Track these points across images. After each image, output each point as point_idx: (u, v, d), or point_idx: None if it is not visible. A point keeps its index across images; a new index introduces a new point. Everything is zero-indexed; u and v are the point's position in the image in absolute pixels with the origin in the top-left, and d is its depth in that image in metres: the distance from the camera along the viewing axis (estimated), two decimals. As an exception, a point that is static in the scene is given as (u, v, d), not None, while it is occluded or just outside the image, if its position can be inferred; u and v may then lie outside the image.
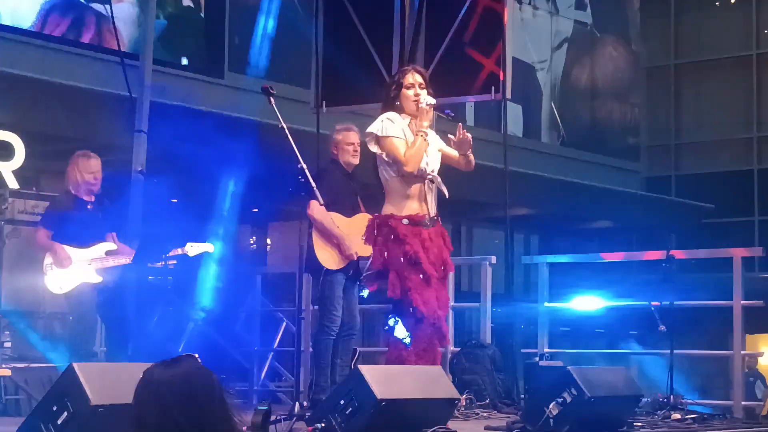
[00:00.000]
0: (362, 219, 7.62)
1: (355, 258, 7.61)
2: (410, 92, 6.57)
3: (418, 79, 6.62)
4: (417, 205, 6.51)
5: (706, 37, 25.56)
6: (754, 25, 25.07)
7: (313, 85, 9.32)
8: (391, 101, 6.60)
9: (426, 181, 6.55)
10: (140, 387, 2.97)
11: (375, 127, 6.51)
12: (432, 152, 6.61)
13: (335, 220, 7.57)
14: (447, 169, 6.76)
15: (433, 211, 6.56)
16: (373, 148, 6.54)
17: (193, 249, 8.22)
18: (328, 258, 7.59)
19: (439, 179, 6.61)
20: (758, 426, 7.55)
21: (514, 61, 8.92)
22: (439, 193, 6.70)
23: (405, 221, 6.44)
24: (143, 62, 9.48)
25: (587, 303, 9.52)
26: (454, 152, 6.70)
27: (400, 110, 6.58)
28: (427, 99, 6.52)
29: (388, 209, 6.52)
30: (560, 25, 23.93)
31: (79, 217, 8.05)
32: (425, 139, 6.49)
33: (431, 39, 8.93)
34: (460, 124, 6.68)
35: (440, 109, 6.64)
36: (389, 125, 6.47)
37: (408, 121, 6.56)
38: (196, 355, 3.02)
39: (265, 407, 5.44)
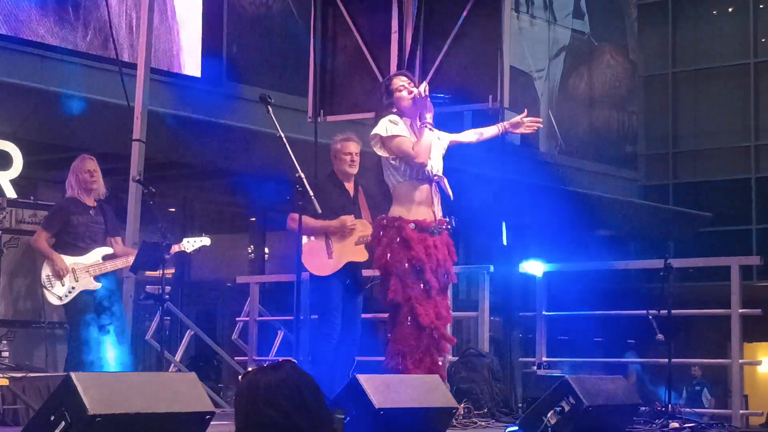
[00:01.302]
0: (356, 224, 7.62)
1: (350, 258, 7.56)
2: (403, 93, 6.62)
3: (405, 80, 6.71)
4: (425, 209, 6.53)
5: (704, 46, 25.59)
6: (752, 34, 25.09)
7: (311, 94, 9.33)
8: (387, 108, 6.62)
9: (433, 184, 6.57)
10: (247, 393, 3.00)
11: (379, 129, 6.54)
12: (435, 155, 6.64)
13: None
14: (446, 176, 6.78)
15: (439, 215, 6.59)
16: (379, 151, 6.56)
17: (189, 244, 8.21)
18: (317, 265, 7.57)
19: (445, 180, 6.64)
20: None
21: (512, 70, 8.92)
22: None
23: (412, 225, 6.45)
24: (141, 71, 9.48)
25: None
26: (462, 137, 6.91)
27: (399, 115, 6.61)
28: (422, 89, 6.60)
29: (395, 212, 6.52)
30: (558, 34, 23.95)
31: (81, 221, 8.05)
32: (431, 129, 6.54)
33: (429, 48, 8.94)
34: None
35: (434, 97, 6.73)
36: (393, 126, 6.51)
37: (409, 123, 6.60)
38: (294, 360, 3.07)
39: (342, 415, 5.47)
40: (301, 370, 3.03)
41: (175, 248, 8.11)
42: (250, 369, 3.10)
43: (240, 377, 3.14)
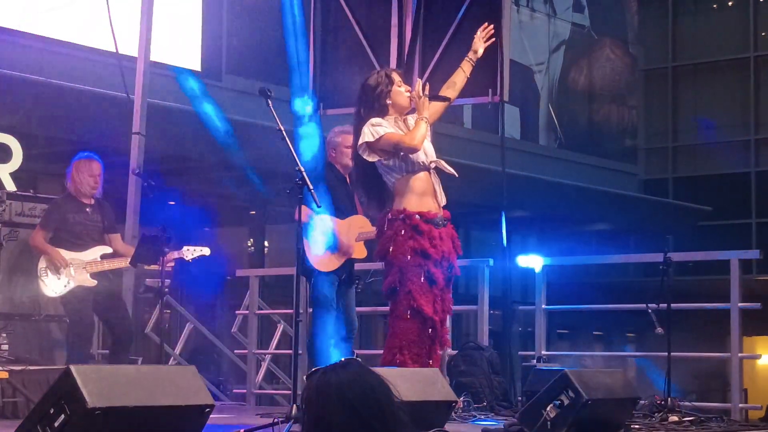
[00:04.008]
0: (356, 220, 7.62)
1: (352, 255, 7.59)
2: (401, 89, 6.58)
3: (400, 78, 6.67)
4: (429, 199, 6.47)
5: (704, 40, 25.59)
6: (752, 28, 25.09)
7: (311, 87, 9.32)
8: (380, 100, 6.53)
9: (431, 171, 6.52)
10: (317, 393, 2.96)
11: (366, 137, 6.44)
12: (428, 145, 6.59)
13: (328, 223, 7.55)
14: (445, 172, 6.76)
15: (443, 202, 6.53)
16: (369, 157, 6.47)
17: (189, 252, 8.21)
18: (320, 260, 7.57)
19: (442, 162, 6.58)
20: (755, 429, 7.56)
21: (512, 64, 8.91)
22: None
23: (417, 217, 6.40)
24: (140, 64, 9.48)
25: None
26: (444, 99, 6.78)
27: (385, 112, 6.53)
28: (419, 89, 6.53)
29: (399, 205, 6.45)
30: (558, 28, 23.95)
31: (78, 220, 8.07)
32: (427, 122, 6.48)
33: (428, 42, 8.93)
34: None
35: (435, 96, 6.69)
36: (377, 128, 6.43)
37: (393, 119, 6.53)
38: (360, 359, 3.04)
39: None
40: (369, 368, 3.00)
41: (174, 255, 8.11)
42: (314, 369, 3.06)
43: (305, 377, 3.08)
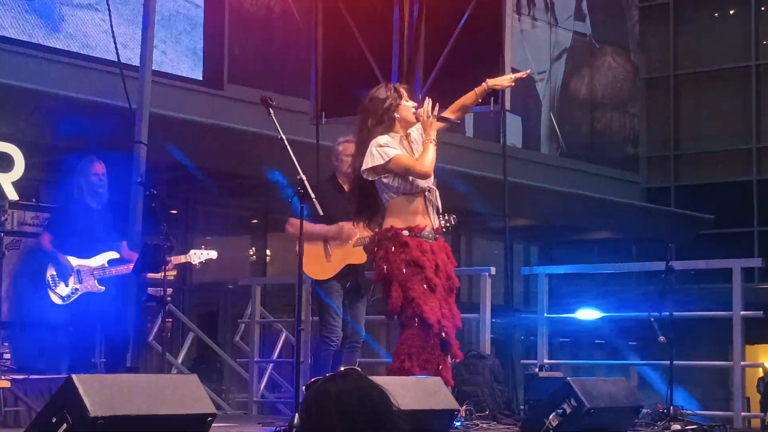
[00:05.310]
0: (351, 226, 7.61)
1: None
2: (409, 104, 6.54)
3: (406, 92, 6.64)
4: (421, 218, 6.45)
5: (706, 48, 25.61)
6: (753, 36, 25.10)
7: (312, 96, 9.34)
8: (389, 113, 6.49)
9: (426, 194, 6.50)
10: (316, 403, 2.96)
11: (375, 160, 6.36)
12: None
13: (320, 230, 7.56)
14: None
15: (435, 224, 6.51)
16: (371, 177, 6.42)
17: (196, 256, 8.20)
18: (315, 269, 7.57)
19: (436, 193, 6.56)
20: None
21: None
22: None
23: (405, 232, 6.39)
24: (142, 73, 9.49)
25: (588, 314, 9.51)
26: (447, 119, 6.75)
27: (392, 126, 6.49)
28: (428, 109, 6.48)
29: (388, 224, 6.44)
30: (559, 36, 23.96)
31: (85, 223, 8.06)
32: (435, 144, 6.46)
33: (430, 50, 8.94)
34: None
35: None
36: (385, 149, 6.36)
37: (398, 138, 6.49)
38: (359, 369, 3.05)
39: None
40: (368, 378, 3.01)
41: (181, 259, 8.10)
42: (313, 379, 3.07)
43: (304, 388, 3.10)
